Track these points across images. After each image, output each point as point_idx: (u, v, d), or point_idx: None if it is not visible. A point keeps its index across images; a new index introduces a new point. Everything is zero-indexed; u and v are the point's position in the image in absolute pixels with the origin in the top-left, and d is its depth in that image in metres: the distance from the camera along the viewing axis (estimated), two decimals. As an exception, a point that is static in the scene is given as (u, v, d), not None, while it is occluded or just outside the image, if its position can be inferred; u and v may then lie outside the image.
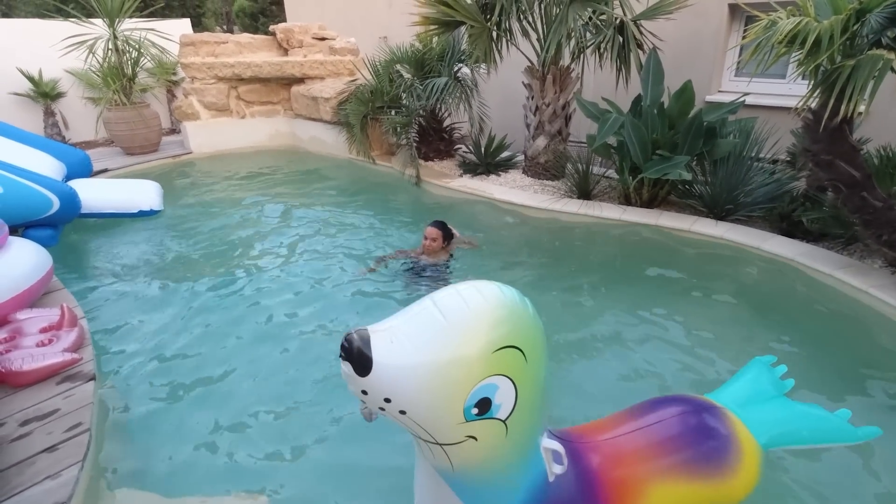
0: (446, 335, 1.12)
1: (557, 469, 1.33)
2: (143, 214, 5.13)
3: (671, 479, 1.53)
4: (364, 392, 1.14)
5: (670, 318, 3.37)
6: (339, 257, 4.25)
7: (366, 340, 1.10)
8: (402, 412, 1.14)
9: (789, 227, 4.22)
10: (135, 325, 3.40)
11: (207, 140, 7.53)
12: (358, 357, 1.09)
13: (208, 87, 7.41)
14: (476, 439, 1.17)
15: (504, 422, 1.18)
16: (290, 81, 7.73)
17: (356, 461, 2.35)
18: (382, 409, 1.15)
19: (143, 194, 5.23)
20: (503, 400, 1.15)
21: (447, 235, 3.90)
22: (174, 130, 9.12)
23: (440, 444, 1.19)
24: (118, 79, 7.06)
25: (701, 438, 1.62)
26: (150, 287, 3.89)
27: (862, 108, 3.09)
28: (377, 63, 6.56)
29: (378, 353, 1.10)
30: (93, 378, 2.53)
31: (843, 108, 2.93)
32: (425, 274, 3.76)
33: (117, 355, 3.09)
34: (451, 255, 3.95)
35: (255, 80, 7.63)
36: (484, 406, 1.14)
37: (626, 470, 1.52)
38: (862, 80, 2.77)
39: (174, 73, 8.87)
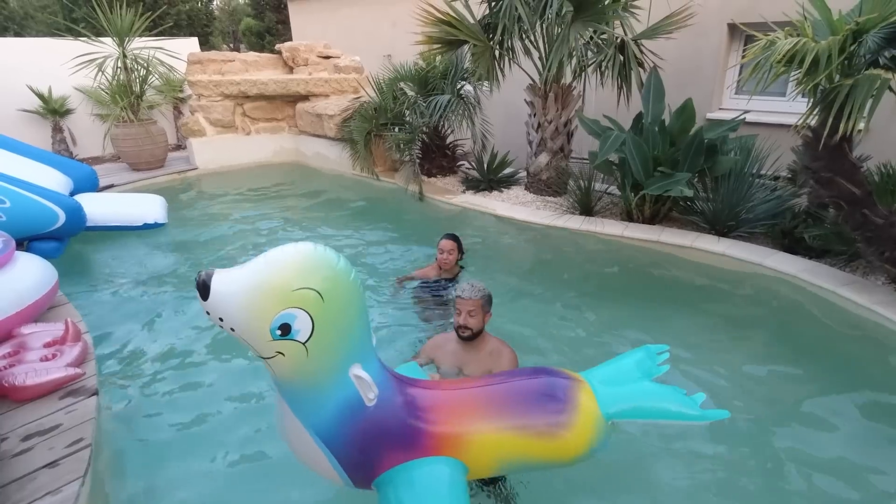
0: (261, 273, 1.54)
1: (370, 395, 1.68)
2: (147, 227, 5.16)
3: (500, 431, 1.83)
4: (207, 313, 1.53)
5: (671, 333, 3.37)
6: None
7: (210, 275, 1.51)
8: (232, 329, 1.55)
9: (791, 244, 4.22)
10: (137, 341, 3.41)
11: (213, 156, 7.62)
12: (201, 286, 1.50)
13: (215, 105, 7.51)
14: (283, 355, 1.56)
15: (304, 344, 1.55)
16: (295, 99, 7.84)
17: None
18: (223, 327, 1.56)
19: (147, 207, 5.27)
20: (301, 327, 1.53)
21: (461, 248, 3.77)
22: (180, 146, 9.22)
23: (263, 358, 1.59)
24: (126, 96, 7.17)
25: (537, 401, 1.91)
26: (152, 302, 3.91)
27: (861, 125, 3.12)
28: (381, 81, 6.65)
29: (214, 283, 1.51)
30: (95, 393, 2.53)
31: (842, 126, 2.95)
32: (446, 292, 3.61)
33: (119, 370, 3.10)
34: (462, 268, 3.85)
35: (261, 98, 7.73)
36: (285, 329, 1.52)
37: (454, 418, 1.84)
38: (860, 98, 2.80)
39: (181, 91, 9.00)
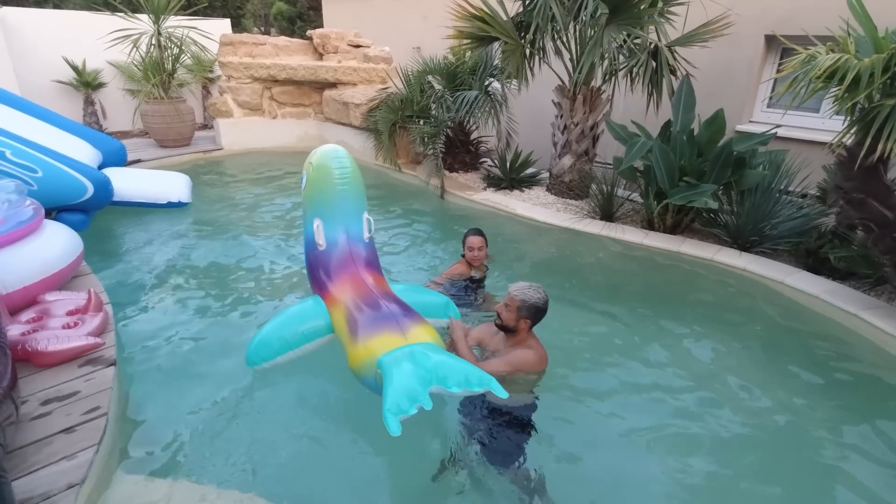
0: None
1: (319, 242, 2.81)
2: (171, 206, 5.25)
3: (349, 313, 2.60)
4: None
5: (682, 344, 3.34)
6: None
7: None
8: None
9: (815, 263, 4.13)
10: (156, 314, 3.47)
11: (238, 137, 7.70)
12: None
13: (243, 87, 7.58)
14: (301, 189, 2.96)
15: (302, 189, 2.95)
16: (322, 86, 7.87)
17: (375, 465, 2.37)
18: None
19: (173, 186, 5.36)
20: (303, 181, 2.98)
21: (485, 238, 3.58)
22: (207, 126, 9.33)
23: None
24: (158, 73, 7.27)
25: (380, 318, 2.49)
26: (173, 277, 3.97)
27: (899, 148, 3.03)
28: (409, 73, 6.65)
29: None
30: (113, 363, 2.59)
31: (880, 146, 2.88)
32: (478, 292, 3.49)
33: (137, 342, 3.16)
34: (487, 266, 3.70)
35: (289, 83, 7.79)
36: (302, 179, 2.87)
37: (342, 292, 2.73)
38: (901, 120, 2.73)
39: (211, 71, 9.10)
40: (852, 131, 3.16)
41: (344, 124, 7.54)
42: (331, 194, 2.83)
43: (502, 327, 2.49)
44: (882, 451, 2.54)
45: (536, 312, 2.45)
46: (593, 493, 2.29)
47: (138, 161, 6.70)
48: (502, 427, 2.40)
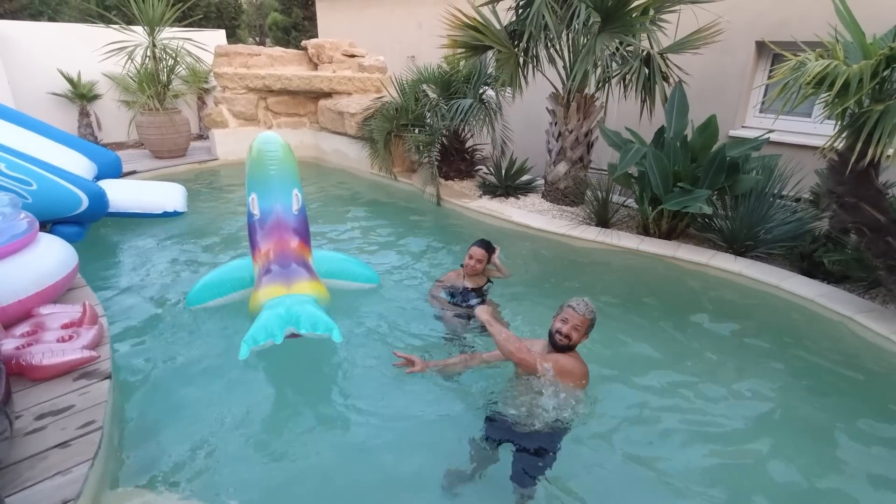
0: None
1: (254, 212, 3.33)
2: (167, 215, 5.24)
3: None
4: None
5: (676, 349, 3.36)
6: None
7: None
8: None
9: (810, 267, 4.16)
10: (150, 327, 3.46)
11: (234, 147, 7.70)
12: None
13: (238, 97, 7.60)
14: None
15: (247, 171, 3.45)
16: (317, 95, 7.90)
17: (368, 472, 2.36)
18: None
19: (168, 196, 5.35)
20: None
21: (489, 253, 3.65)
22: (202, 136, 9.34)
23: None
24: (153, 85, 7.28)
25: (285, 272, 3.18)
26: (168, 288, 3.96)
27: (890, 151, 3.06)
28: (404, 82, 6.68)
29: None
30: (108, 377, 2.57)
31: (870, 151, 2.91)
32: (470, 300, 3.54)
33: (133, 355, 3.14)
34: (490, 280, 3.73)
35: (284, 93, 7.81)
36: None
37: (261, 255, 3.30)
38: (891, 124, 2.76)
39: (206, 82, 9.12)
40: (843, 136, 3.19)
41: (339, 133, 7.56)
42: (263, 173, 3.39)
43: (567, 347, 2.43)
44: (876, 452, 2.54)
45: (595, 324, 2.48)
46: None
47: (133, 172, 6.70)
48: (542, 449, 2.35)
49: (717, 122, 4.63)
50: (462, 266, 3.65)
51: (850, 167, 3.12)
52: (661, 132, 4.93)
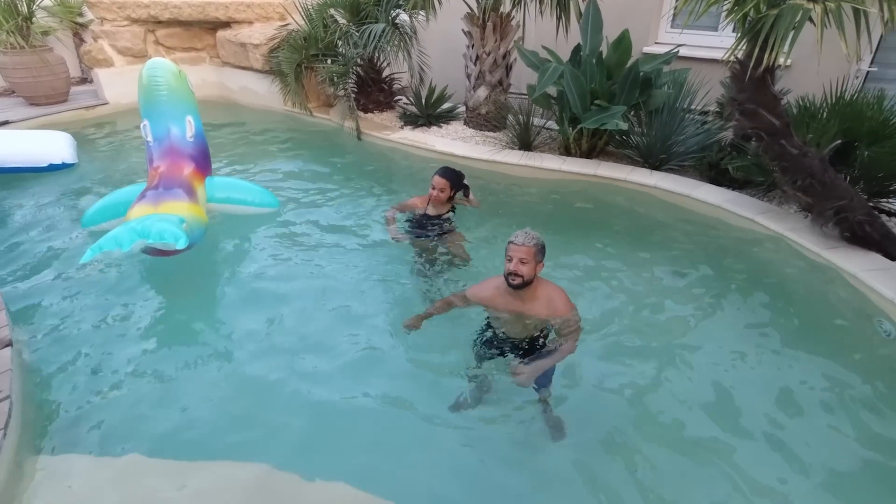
0: None
1: (148, 139, 3.55)
2: (54, 168, 4.71)
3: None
4: None
5: (600, 261, 3.56)
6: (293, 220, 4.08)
7: None
8: None
9: (717, 176, 4.43)
10: (52, 287, 3.17)
11: (125, 89, 6.86)
12: None
13: (121, 30, 6.74)
14: None
15: None
16: (215, 26, 7.14)
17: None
18: None
19: (52, 146, 4.78)
20: None
21: (456, 186, 3.51)
22: (86, 80, 8.28)
23: None
24: (13, 17, 6.27)
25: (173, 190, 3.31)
26: (67, 247, 3.61)
27: (781, 59, 3.21)
28: (310, 7, 6.17)
29: None
30: (9, 344, 2.35)
31: (765, 58, 3.04)
32: (430, 228, 3.51)
33: (36, 320, 2.89)
34: (454, 209, 3.64)
35: (176, 23, 6.99)
36: None
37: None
38: (783, 29, 2.87)
39: (80, 14, 7.97)
40: (743, 44, 3.30)
41: (244, 68, 6.96)
42: (153, 99, 3.48)
43: (523, 284, 2.32)
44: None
45: (545, 249, 2.39)
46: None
47: (6, 122, 5.89)
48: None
49: (630, 37, 4.67)
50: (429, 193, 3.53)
51: (749, 74, 3.26)
52: (577, 50, 4.92)
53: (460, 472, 2.19)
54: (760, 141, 3.53)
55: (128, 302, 3.10)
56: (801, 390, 2.52)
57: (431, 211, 3.55)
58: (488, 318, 2.63)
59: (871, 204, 3.73)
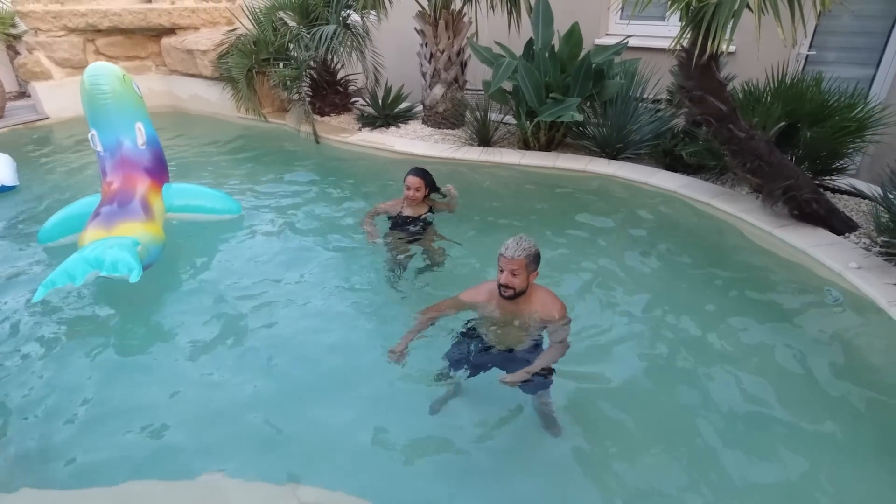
0: None
1: (97, 149, 3.39)
2: (-7, 192, 4.45)
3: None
4: None
5: (564, 249, 3.60)
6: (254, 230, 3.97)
7: None
8: None
9: (672, 162, 4.54)
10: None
11: (66, 103, 6.58)
12: None
13: (58, 41, 6.43)
14: None
15: None
16: (158, 33, 6.91)
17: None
18: None
19: (-11, 169, 4.52)
20: None
21: (430, 184, 3.48)
22: (24, 94, 7.89)
23: None
24: (-63, 33, 5.92)
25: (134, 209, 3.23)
26: (15, 273, 3.43)
27: (724, 46, 3.30)
28: (258, 10, 6.03)
29: None
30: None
31: (709, 46, 3.12)
32: (409, 228, 3.48)
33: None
34: (431, 209, 3.58)
35: (117, 32, 6.73)
36: None
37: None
38: (724, 17, 2.95)
39: (13, 25, 7.58)
40: (687, 33, 3.37)
41: (193, 76, 6.75)
42: (97, 107, 3.29)
43: (514, 295, 2.26)
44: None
45: (539, 257, 2.30)
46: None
47: (-63, 144, 5.55)
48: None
49: (580, 29, 4.73)
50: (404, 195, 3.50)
51: (694, 62, 3.34)
52: (530, 44, 4.95)
53: (445, 474, 2.19)
54: (710, 126, 3.62)
55: (80, 328, 2.96)
56: (774, 357, 2.67)
57: (409, 212, 3.53)
58: (470, 324, 2.56)
59: (815, 182, 3.88)
